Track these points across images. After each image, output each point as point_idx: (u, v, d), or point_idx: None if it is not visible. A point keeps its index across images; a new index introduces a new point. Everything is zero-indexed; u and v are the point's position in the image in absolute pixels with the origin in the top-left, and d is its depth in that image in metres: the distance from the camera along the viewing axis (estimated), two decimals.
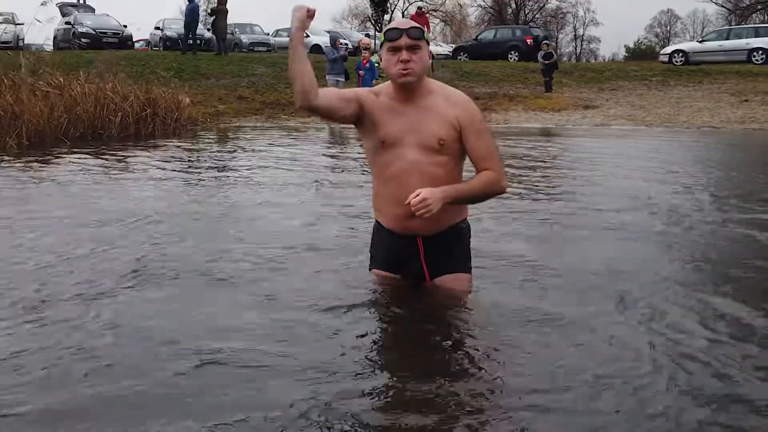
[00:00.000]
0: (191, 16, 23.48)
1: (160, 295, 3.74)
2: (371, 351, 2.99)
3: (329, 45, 19.66)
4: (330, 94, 3.16)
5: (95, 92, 13.60)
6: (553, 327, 3.19)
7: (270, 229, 5.43)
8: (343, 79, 17.61)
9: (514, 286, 3.84)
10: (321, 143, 13.23)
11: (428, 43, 3.12)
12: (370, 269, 3.54)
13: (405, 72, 3.01)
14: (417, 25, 3.10)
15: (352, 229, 5.27)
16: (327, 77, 17.37)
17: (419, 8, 29.62)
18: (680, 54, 26.92)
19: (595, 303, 3.53)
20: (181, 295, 3.75)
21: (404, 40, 3.01)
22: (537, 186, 7.78)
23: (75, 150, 11.05)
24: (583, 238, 5.11)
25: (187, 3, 23.90)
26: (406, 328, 3.28)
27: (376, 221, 3.41)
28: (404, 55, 3.00)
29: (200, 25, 26.16)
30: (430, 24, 34.22)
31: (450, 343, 3.06)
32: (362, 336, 3.12)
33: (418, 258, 3.27)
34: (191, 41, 23.61)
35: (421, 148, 3.10)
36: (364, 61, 17.58)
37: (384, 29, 3.15)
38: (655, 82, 22.48)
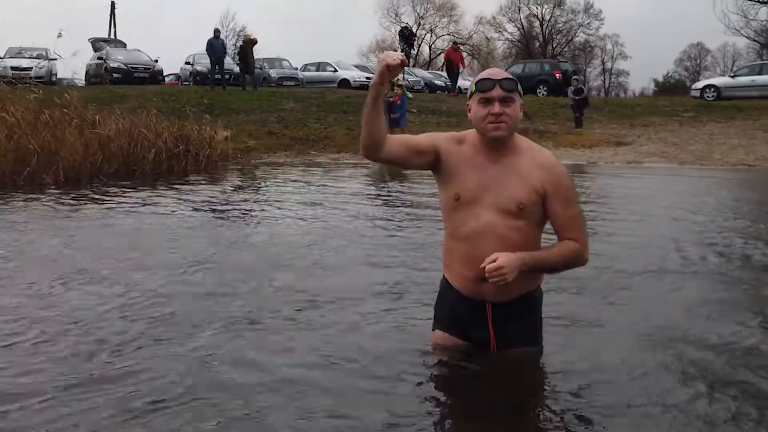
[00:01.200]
0: (215, 51, 23.74)
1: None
2: (429, 418, 2.89)
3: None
4: (399, 145, 3.04)
5: (129, 129, 13.71)
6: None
7: (321, 275, 5.36)
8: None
9: (573, 347, 3.69)
10: (358, 180, 13.19)
11: (521, 95, 2.95)
12: (433, 329, 3.33)
13: (496, 126, 2.85)
14: (510, 76, 2.95)
15: (409, 276, 5.17)
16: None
17: (455, 43, 29.78)
18: (712, 89, 26.72)
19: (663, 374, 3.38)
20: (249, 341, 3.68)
21: (497, 92, 2.85)
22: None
23: (112, 187, 11.13)
24: (638, 289, 4.98)
25: (212, 37, 24.16)
26: (466, 398, 3.14)
27: (444, 278, 3.22)
28: (497, 107, 2.84)
29: (229, 59, 26.47)
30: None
31: (510, 416, 2.95)
32: (421, 402, 3.02)
33: (486, 324, 3.07)
34: (218, 76, 23.87)
35: (498, 209, 2.92)
36: (396, 99, 17.30)
37: (475, 78, 2.98)
38: (687, 118, 22.28)
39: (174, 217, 8.42)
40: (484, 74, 2.97)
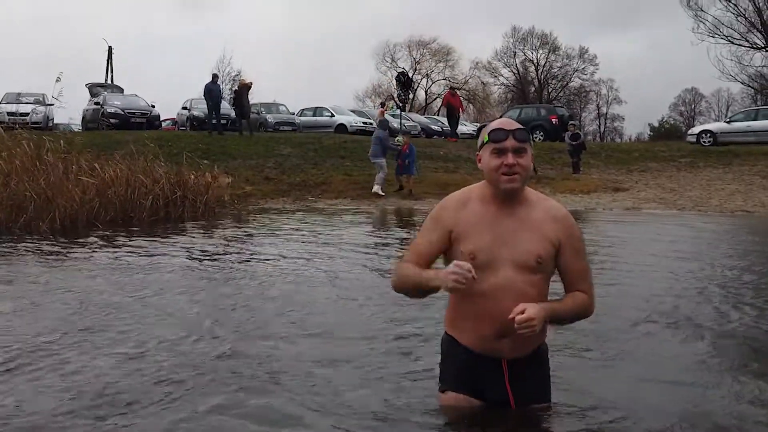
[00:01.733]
0: (212, 96, 23.83)
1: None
2: None
3: (387, 130, 19.41)
4: (421, 260, 2.94)
5: (127, 175, 13.65)
6: None
7: (320, 331, 5.22)
8: (384, 161, 17.92)
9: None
10: (359, 228, 13.10)
11: (532, 146, 2.89)
12: (441, 390, 3.16)
13: (511, 178, 2.78)
14: (522, 126, 2.89)
15: (418, 332, 5.05)
16: (371, 157, 17.99)
17: (452, 88, 29.96)
18: (708, 134, 26.86)
19: None
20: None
21: (510, 143, 2.78)
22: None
23: (107, 235, 11.02)
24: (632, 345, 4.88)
25: (209, 82, 24.27)
26: None
27: (450, 337, 3.07)
28: (510, 158, 2.76)
29: (225, 104, 26.60)
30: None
31: None
32: None
33: (501, 382, 2.95)
34: (215, 121, 23.94)
35: (516, 264, 2.83)
36: (405, 147, 17.87)
37: (487, 129, 2.89)
38: (684, 164, 22.31)
39: (168, 268, 8.26)
40: (497, 124, 2.90)
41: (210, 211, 14.55)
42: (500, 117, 33.90)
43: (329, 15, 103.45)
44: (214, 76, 25.17)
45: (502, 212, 2.88)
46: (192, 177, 14.67)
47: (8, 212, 11.78)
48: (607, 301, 5.74)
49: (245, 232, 12.16)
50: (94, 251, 9.49)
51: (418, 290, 2.91)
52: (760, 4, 39.96)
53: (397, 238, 11.49)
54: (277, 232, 11.88)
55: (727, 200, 17.36)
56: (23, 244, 9.88)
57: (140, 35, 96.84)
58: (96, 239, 10.57)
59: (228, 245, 10.39)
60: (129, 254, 9.08)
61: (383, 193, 17.81)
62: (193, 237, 11.28)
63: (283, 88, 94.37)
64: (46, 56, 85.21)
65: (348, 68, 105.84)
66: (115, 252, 9.35)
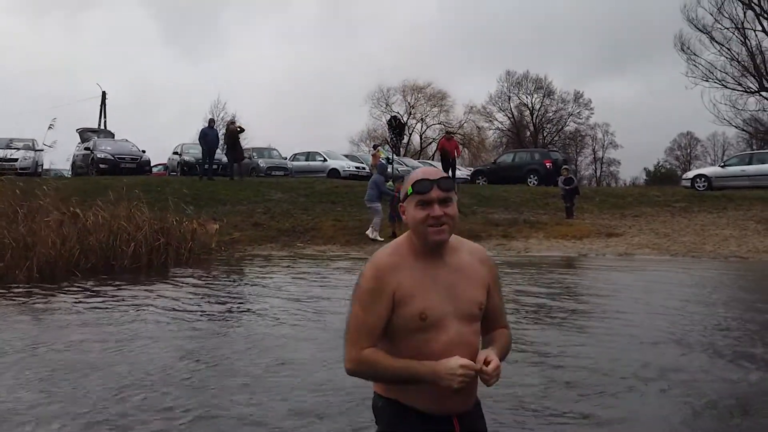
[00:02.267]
0: (208, 141, 23.71)
1: None
2: None
3: (383, 175, 19.21)
4: (374, 338, 2.65)
5: (109, 221, 13.44)
6: None
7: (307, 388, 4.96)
8: (379, 206, 17.75)
9: None
10: (349, 275, 12.82)
11: (456, 194, 2.66)
12: None
13: (439, 230, 2.57)
14: (447, 175, 2.69)
15: None
16: (367, 202, 17.84)
17: (448, 132, 29.90)
18: (703, 179, 26.74)
19: None
20: None
21: (436, 193, 2.58)
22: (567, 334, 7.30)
23: (86, 285, 10.81)
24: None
25: (206, 127, 24.17)
26: None
27: (390, 400, 2.73)
28: (436, 210, 2.57)
29: (218, 149, 26.54)
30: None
31: None
32: None
33: None
34: (207, 166, 23.81)
35: (462, 317, 2.64)
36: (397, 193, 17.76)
37: (410, 179, 2.66)
38: (678, 209, 22.12)
39: (143, 321, 8.01)
40: (420, 174, 2.67)
41: (194, 258, 14.31)
42: (493, 161, 34.11)
43: (324, 60, 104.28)
44: (211, 121, 25.10)
45: (436, 264, 2.67)
46: (176, 223, 14.44)
47: None
48: (606, 355, 5.52)
49: (228, 280, 11.90)
50: (61, 303, 9.24)
51: (395, 381, 2.63)
52: (753, 49, 40.22)
53: None
54: (260, 281, 11.62)
55: (721, 245, 17.12)
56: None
57: (137, 82, 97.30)
58: (70, 289, 10.32)
59: (209, 295, 10.14)
60: (104, 306, 8.84)
61: (381, 239, 17.57)
62: (174, 286, 11.03)
63: (277, 133, 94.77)
64: (42, 103, 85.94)
65: (343, 113, 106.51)
66: (88, 303, 9.11)
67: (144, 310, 8.63)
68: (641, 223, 20.31)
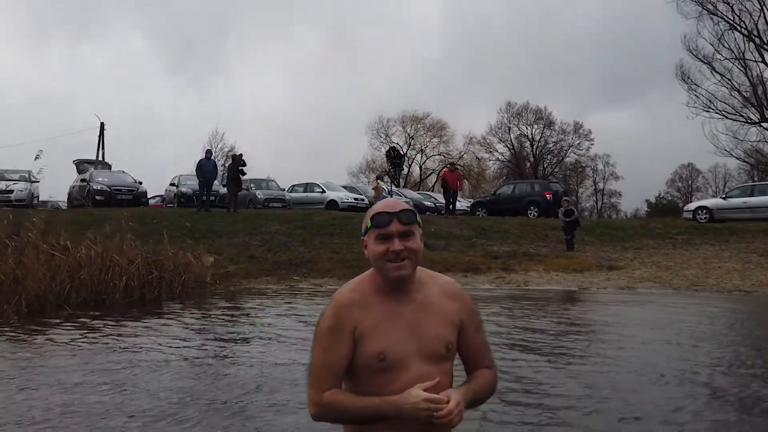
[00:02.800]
0: (204, 172, 23.57)
1: None
2: None
3: None
4: (337, 379, 2.48)
5: (101, 255, 13.21)
6: None
7: None
8: None
9: None
10: None
11: (420, 226, 2.48)
12: None
13: (399, 266, 2.39)
14: (409, 207, 2.49)
15: None
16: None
17: (452, 164, 29.80)
18: (704, 211, 26.53)
19: None
20: None
21: (395, 226, 2.40)
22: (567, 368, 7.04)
23: (75, 321, 10.57)
24: None
25: (203, 158, 24.03)
26: None
27: None
28: (396, 244, 2.39)
29: (216, 181, 26.41)
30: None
31: None
32: None
33: None
34: (205, 197, 23.64)
35: (426, 357, 2.45)
36: None
37: (370, 212, 2.50)
38: (680, 241, 21.88)
39: (136, 361, 7.75)
40: (380, 207, 2.50)
41: (188, 292, 14.06)
42: (493, 192, 33.95)
43: (325, 91, 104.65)
44: (208, 152, 24.98)
45: (399, 301, 2.47)
46: (171, 256, 14.21)
47: None
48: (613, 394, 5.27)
49: (222, 317, 11.63)
50: (52, 341, 9.00)
51: (361, 421, 2.44)
52: (754, 79, 40.24)
53: None
54: (254, 318, 11.35)
55: (724, 279, 16.85)
56: None
57: (139, 113, 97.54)
58: (61, 326, 10.09)
59: (202, 333, 9.90)
60: (95, 343, 8.60)
61: None
62: (166, 323, 10.76)
63: (276, 164, 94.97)
64: (43, 134, 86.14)
65: (342, 144, 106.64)
66: (79, 340, 8.84)
67: (137, 349, 8.37)
68: (643, 256, 20.06)
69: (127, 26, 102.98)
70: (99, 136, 43.52)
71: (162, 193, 34.09)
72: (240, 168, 24.27)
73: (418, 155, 69.44)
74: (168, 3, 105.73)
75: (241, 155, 25.55)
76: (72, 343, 8.80)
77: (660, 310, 12.53)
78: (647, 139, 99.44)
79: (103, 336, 9.26)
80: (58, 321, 10.61)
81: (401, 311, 2.46)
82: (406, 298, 2.48)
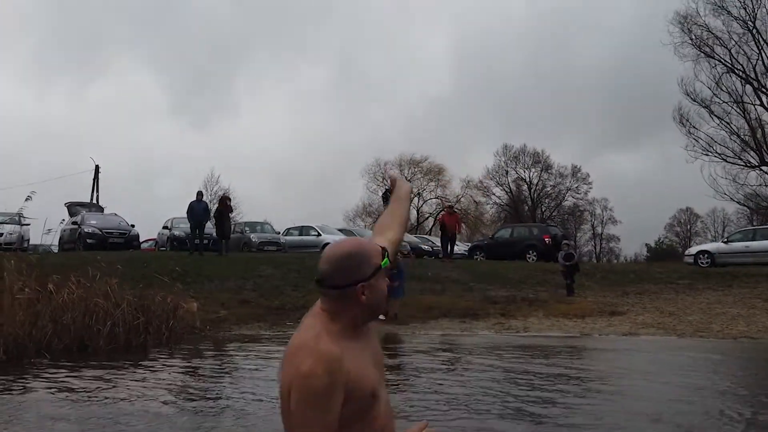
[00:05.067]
0: (194, 214, 23.19)
1: None
2: None
3: None
4: None
5: (85, 299, 12.73)
6: None
7: None
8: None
9: None
10: None
11: None
12: None
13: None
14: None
15: None
16: None
17: (450, 206, 29.47)
18: (706, 255, 26.12)
19: None
20: None
21: None
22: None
23: (54, 369, 10.10)
24: None
25: (194, 200, 23.66)
26: None
27: None
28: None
29: (209, 224, 25.99)
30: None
31: None
32: None
33: None
34: (197, 241, 23.20)
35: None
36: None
37: (373, 251, 2.38)
38: (682, 286, 21.43)
39: (120, 416, 7.28)
40: (373, 245, 2.41)
41: (176, 338, 13.55)
42: (491, 236, 33.55)
43: (325, 131, 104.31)
44: (199, 194, 24.54)
45: (359, 336, 2.37)
46: (158, 301, 13.72)
47: None
48: None
49: (210, 366, 11.15)
50: (33, 392, 8.55)
51: None
52: (753, 123, 40.10)
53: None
54: (243, 369, 10.86)
55: (729, 325, 16.35)
56: None
57: (140, 153, 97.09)
58: (41, 375, 9.63)
59: (188, 385, 9.43)
60: (76, 394, 8.12)
61: (382, 317, 16.84)
62: (152, 372, 10.26)
63: (274, 206, 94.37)
64: (42, 176, 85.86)
65: (340, 186, 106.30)
66: (60, 392, 8.39)
67: (118, 399, 7.91)
68: (645, 301, 19.59)
69: (131, 64, 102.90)
70: (93, 179, 43.32)
71: (155, 236, 33.67)
72: (224, 210, 23.83)
73: (416, 199, 69.21)
74: (174, 40, 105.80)
75: (226, 197, 25.22)
76: (51, 391, 8.36)
77: (668, 357, 12.05)
78: (645, 182, 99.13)
79: (82, 387, 8.78)
80: (37, 369, 10.14)
81: (364, 345, 2.38)
82: (360, 332, 2.37)
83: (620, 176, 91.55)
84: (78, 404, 7.56)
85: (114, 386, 8.84)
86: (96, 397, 8.03)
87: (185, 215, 24.05)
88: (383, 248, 2.38)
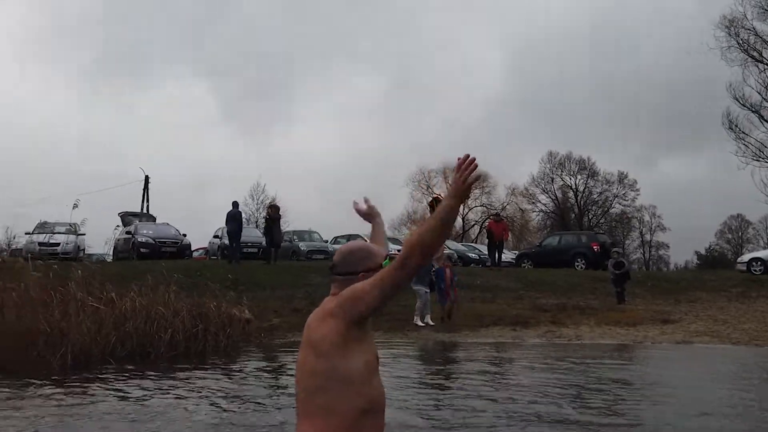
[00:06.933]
0: (231, 224, 23.64)
1: None
2: None
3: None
4: None
5: (146, 307, 13.08)
6: None
7: None
8: (422, 288, 16.94)
9: None
10: (402, 364, 12.18)
11: None
12: None
13: None
14: None
15: None
16: (412, 284, 16.65)
17: (497, 214, 29.46)
18: (759, 262, 25.71)
19: None
20: None
21: None
22: None
23: (123, 375, 10.41)
24: None
25: (230, 210, 24.10)
26: None
27: None
28: None
29: (257, 231, 26.36)
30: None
31: None
32: None
33: None
34: (234, 249, 23.70)
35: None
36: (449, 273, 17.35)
37: (378, 251, 2.92)
38: (735, 294, 21.17)
39: (191, 421, 7.53)
40: (375, 247, 2.95)
41: (233, 345, 13.84)
42: (538, 244, 33.39)
43: (374, 138, 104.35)
44: (234, 204, 24.91)
45: None
46: (214, 309, 14.03)
47: (19, 347, 11.14)
48: None
49: (267, 371, 11.39)
50: (101, 397, 8.83)
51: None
52: None
53: (447, 376, 10.55)
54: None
55: None
56: (30, 390, 9.19)
57: (191, 163, 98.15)
58: (109, 380, 9.93)
59: (250, 388, 9.63)
60: (145, 400, 8.39)
61: (423, 323, 16.97)
62: (215, 380, 10.47)
63: (319, 216, 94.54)
64: (93, 185, 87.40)
65: (385, 195, 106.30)
66: (129, 397, 8.66)
67: (187, 404, 8.17)
68: (697, 309, 19.41)
69: (182, 74, 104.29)
70: (144, 189, 44.09)
71: (206, 245, 34.19)
72: (272, 218, 24.21)
73: (460, 206, 69.02)
74: (225, 49, 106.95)
75: (275, 205, 25.60)
76: (119, 394, 8.66)
77: (727, 368, 11.97)
78: (694, 189, 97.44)
79: (149, 392, 9.06)
80: (103, 375, 10.46)
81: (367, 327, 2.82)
82: None
83: (668, 183, 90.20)
84: (146, 413, 7.79)
85: (176, 391, 9.10)
86: (164, 405, 8.25)
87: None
88: (390, 254, 2.82)
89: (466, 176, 2.46)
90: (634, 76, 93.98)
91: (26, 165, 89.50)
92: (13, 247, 23.35)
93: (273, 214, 24.43)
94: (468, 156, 2.47)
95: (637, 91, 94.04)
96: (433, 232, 2.49)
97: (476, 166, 2.47)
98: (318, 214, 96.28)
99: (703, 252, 70.42)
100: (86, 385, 9.62)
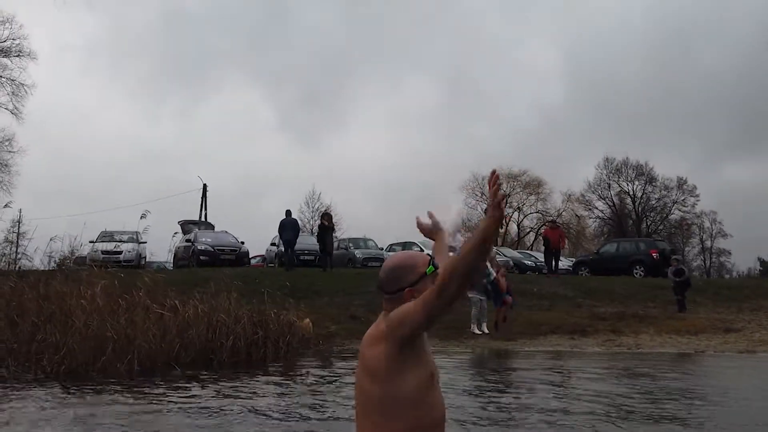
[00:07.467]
0: (284, 232, 24.09)
1: None
2: None
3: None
4: None
5: (208, 314, 13.35)
6: None
7: None
8: (477, 295, 16.97)
9: None
10: (458, 372, 12.21)
11: None
12: None
13: None
14: None
15: None
16: (469, 293, 16.64)
17: (553, 221, 29.23)
18: None
19: None
20: None
21: None
22: None
23: (189, 382, 10.64)
24: None
25: (284, 218, 24.47)
26: None
27: None
28: None
29: (312, 239, 26.65)
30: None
31: None
32: None
33: None
34: (289, 256, 24.18)
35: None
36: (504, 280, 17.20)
37: (420, 259, 2.86)
38: None
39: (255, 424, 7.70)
40: (419, 254, 2.89)
41: (293, 352, 14.03)
42: (596, 251, 32.98)
43: (431, 144, 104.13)
44: (287, 212, 25.21)
45: None
46: (274, 316, 14.25)
47: (87, 354, 11.48)
48: None
49: (328, 379, 11.49)
50: (172, 402, 9.03)
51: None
52: None
53: (507, 381, 10.56)
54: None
55: None
56: (104, 395, 9.48)
57: (249, 169, 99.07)
58: (176, 387, 10.16)
59: (315, 395, 9.75)
60: (213, 408, 8.55)
61: (479, 331, 16.99)
62: (278, 386, 10.66)
63: (374, 223, 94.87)
64: (152, 194, 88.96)
65: (440, 202, 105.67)
66: (196, 404, 8.84)
67: (257, 411, 8.34)
68: (761, 318, 19.01)
69: (239, 82, 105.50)
70: (202, 198, 44.87)
71: (263, 252, 34.61)
72: (325, 225, 24.55)
73: (515, 213, 68.69)
74: (282, 57, 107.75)
75: (328, 213, 25.85)
76: (186, 400, 8.85)
77: None
78: (755, 194, 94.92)
79: (216, 398, 9.23)
80: (170, 379, 10.71)
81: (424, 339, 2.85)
82: None
83: (729, 188, 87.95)
84: (214, 421, 7.95)
85: (247, 400, 9.24)
86: (231, 414, 8.40)
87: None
88: (431, 257, 2.80)
89: (495, 191, 2.44)
90: (698, 79, 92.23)
91: (90, 175, 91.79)
92: (77, 255, 23.93)
93: (326, 222, 24.77)
94: (494, 172, 2.46)
95: (699, 94, 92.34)
96: (467, 261, 2.47)
97: (500, 183, 2.47)
98: (372, 220, 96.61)
99: (766, 259, 68.66)
100: (154, 391, 9.85)
